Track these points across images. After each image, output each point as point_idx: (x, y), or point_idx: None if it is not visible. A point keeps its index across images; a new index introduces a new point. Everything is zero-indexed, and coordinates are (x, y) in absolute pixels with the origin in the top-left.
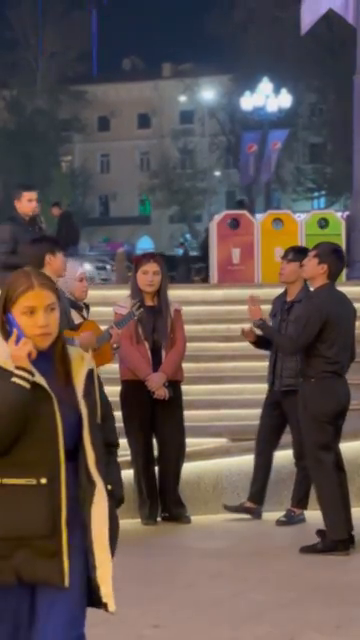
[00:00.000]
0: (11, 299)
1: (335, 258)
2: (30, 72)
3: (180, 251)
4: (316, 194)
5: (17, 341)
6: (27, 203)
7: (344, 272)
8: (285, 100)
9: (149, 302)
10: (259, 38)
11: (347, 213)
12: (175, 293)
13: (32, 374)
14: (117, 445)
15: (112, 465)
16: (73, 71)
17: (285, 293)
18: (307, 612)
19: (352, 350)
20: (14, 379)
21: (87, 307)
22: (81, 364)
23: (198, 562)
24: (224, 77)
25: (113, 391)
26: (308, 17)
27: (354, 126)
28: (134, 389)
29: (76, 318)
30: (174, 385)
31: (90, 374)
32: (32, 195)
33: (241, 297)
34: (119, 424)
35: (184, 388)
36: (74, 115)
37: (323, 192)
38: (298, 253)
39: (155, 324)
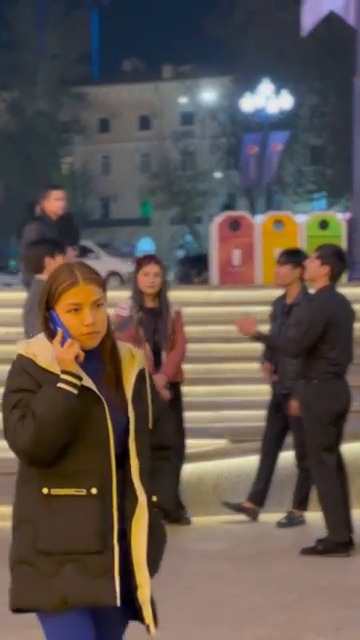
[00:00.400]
0: (54, 296)
1: (337, 260)
2: (30, 74)
3: (181, 252)
4: (317, 196)
5: (62, 342)
6: (55, 202)
7: (345, 273)
8: (286, 101)
9: (150, 304)
10: (259, 39)
11: (349, 215)
12: (175, 294)
13: (80, 378)
14: (170, 447)
15: (162, 472)
16: (73, 73)
17: (285, 296)
18: (307, 614)
19: (350, 351)
20: (61, 384)
21: None
22: (132, 363)
23: (199, 564)
24: (224, 78)
25: None
26: (309, 19)
27: (354, 128)
28: None
29: None
30: (174, 386)
31: (141, 374)
32: (59, 194)
33: (242, 299)
34: None
35: (184, 389)
36: (74, 117)
37: (324, 194)
38: (291, 255)
39: (156, 326)
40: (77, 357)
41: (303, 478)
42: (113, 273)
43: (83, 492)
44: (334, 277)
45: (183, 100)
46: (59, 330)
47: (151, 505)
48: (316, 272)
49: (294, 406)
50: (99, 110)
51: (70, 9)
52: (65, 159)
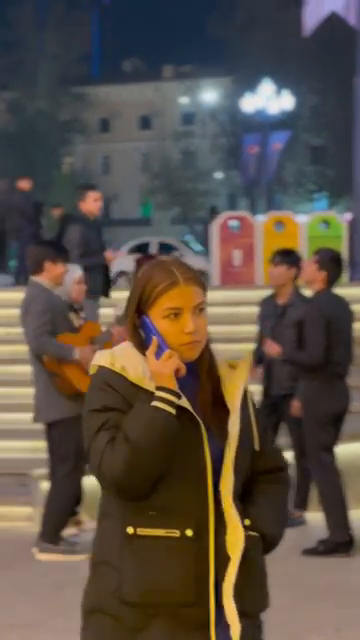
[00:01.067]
0: (148, 299)
1: (334, 266)
2: (31, 73)
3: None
4: (317, 196)
5: (158, 353)
6: (93, 203)
7: (347, 273)
8: (287, 102)
9: None
10: (260, 40)
11: (350, 215)
12: None
13: (179, 396)
14: (285, 469)
15: (274, 496)
16: (74, 73)
17: (274, 296)
18: (308, 614)
19: (351, 352)
20: (157, 403)
21: (76, 310)
22: (232, 376)
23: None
24: (225, 79)
25: None
26: (311, 19)
27: (355, 128)
28: None
29: (74, 320)
30: None
31: (243, 392)
32: (97, 195)
33: (242, 299)
34: None
35: None
36: (75, 117)
37: (324, 194)
38: (285, 256)
39: None
40: (176, 371)
41: (302, 478)
42: None
43: (176, 534)
44: (330, 282)
45: (184, 100)
46: (154, 339)
47: (252, 536)
48: (313, 276)
49: (296, 406)
50: (100, 110)
51: (70, 9)
52: (66, 159)
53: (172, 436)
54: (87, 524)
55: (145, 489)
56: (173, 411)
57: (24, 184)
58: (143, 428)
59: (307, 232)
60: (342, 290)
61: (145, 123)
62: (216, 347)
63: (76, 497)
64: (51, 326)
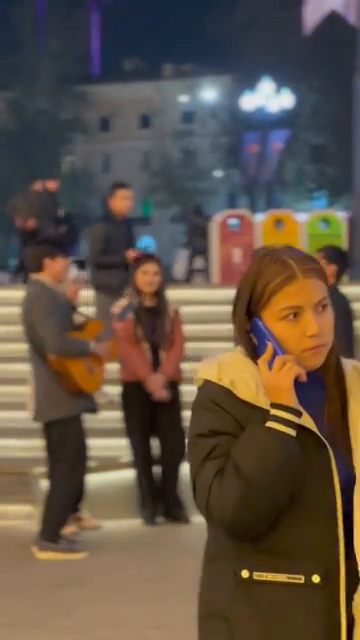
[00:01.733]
0: (260, 298)
1: (342, 259)
2: (31, 73)
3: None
4: (317, 194)
5: (271, 361)
6: (121, 201)
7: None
8: (286, 100)
9: (148, 302)
10: (260, 38)
11: (349, 213)
12: (176, 293)
13: (299, 414)
14: None
15: None
16: (74, 72)
17: None
18: None
19: (353, 350)
20: (272, 424)
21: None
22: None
23: (200, 562)
24: (225, 77)
25: (113, 391)
26: (311, 18)
27: (355, 126)
28: (135, 390)
29: (76, 318)
30: (173, 386)
31: None
32: (126, 193)
33: None
34: (119, 425)
35: (186, 388)
36: (75, 116)
37: (324, 192)
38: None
39: (154, 325)
40: (297, 378)
41: None
42: None
43: (300, 579)
44: (338, 276)
45: (184, 99)
46: (269, 346)
47: None
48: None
49: None
50: (100, 109)
51: (71, 8)
52: (66, 158)
53: (292, 464)
54: (88, 522)
55: (261, 529)
56: (293, 433)
57: (51, 185)
58: (257, 456)
59: (307, 230)
60: (342, 289)
61: (145, 122)
62: (218, 346)
63: (76, 496)
64: (62, 325)
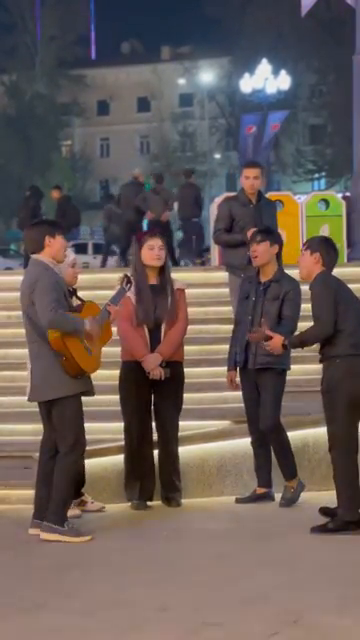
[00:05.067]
0: None
1: (326, 246)
2: (29, 56)
3: (180, 234)
4: (316, 175)
5: None
6: (245, 180)
7: (345, 253)
8: (284, 82)
9: (152, 280)
10: (258, 20)
11: (347, 193)
12: (176, 276)
13: None
14: None
15: None
16: (72, 55)
17: (257, 275)
18: (312, 593)
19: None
20: None
21: (74, 291)
22: None
23: (202, 544)
24: (223, 59)
25: (115, 374)
26: None
27: (354, 107)
28: (133, 370)
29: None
30: (174, 365)
31: None
32: (248, 172)
33: None
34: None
35: (187, 371)
36: (73, 99)
37: (323, 173)
38: (267, 234)
39: (156, 300)
40: None
41: (287, 451)
42: None
43: None
44: (327, 264)
45: (182, 81)
46: None
47: None
48: (308, 261)
49: (276, 340)
50: (98, 92)
51: None
52: (64, 142)
53: None
54: (92, 505)
55: None
56: None
57: (139, 175)
58: None
59: (306, 211)
60: (340, 270)
61: (143, 105)
62: (217, 327)
63: (77, 477)
64: (60, 303)
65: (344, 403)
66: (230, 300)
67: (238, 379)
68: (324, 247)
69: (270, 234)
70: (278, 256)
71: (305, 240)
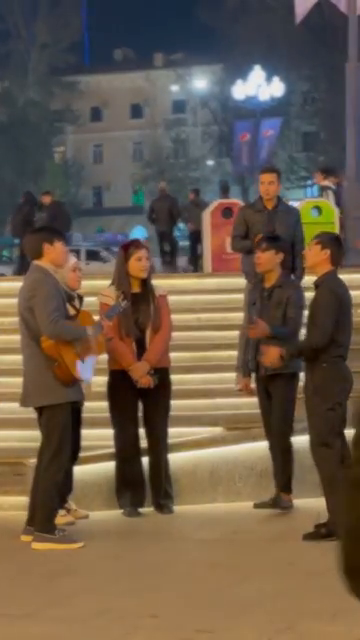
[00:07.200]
0: None
1: (337, 244)
2: (21, 63)
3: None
4: (309, 182)
5: None
6: (260, 186)
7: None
8: (277, 89)
9: (135, 289)
10: (251, 27)
11: (343, 182)
12: (168, 282)
13: None
14: None
15: None
16: (65, 62)
17: (261, 281)
18: (304, 600)
19: (350, 335)
20: None
21: (80, 298)
22: None
23: (194, 552)
24: (216, 66)
25: (105, 381)
26: (301, 6)
27: (347, 114)
28: (120, 378)
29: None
30: (161, 372)
31: None
32: (263, 177)
33: (235, 286)
34: (106, 414)
35: (179, 377)
36: (66, 106)
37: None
38: (272, 241)
39: (139, 308)
40: None
41: (285, 460)
42: None
43: None
44: (335, 261)
45: (175, 88)
46: None
47: None
48: (318, 257)
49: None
50: (91, 99)
51: None
52: (57, 148)
53: None
54: (76, 512)
55: None
56: None
57: (164, 187)
58: None
59: None
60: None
61: (136, 112)
62: (210, 334)
63: (63, 484)
64: (60, 312)
65: (331, 405)
66: (243, 306)
67: (253, 385)
68: (335, 246)
69: (275, 241)
70: (284, 262)
71: (315, 235)
